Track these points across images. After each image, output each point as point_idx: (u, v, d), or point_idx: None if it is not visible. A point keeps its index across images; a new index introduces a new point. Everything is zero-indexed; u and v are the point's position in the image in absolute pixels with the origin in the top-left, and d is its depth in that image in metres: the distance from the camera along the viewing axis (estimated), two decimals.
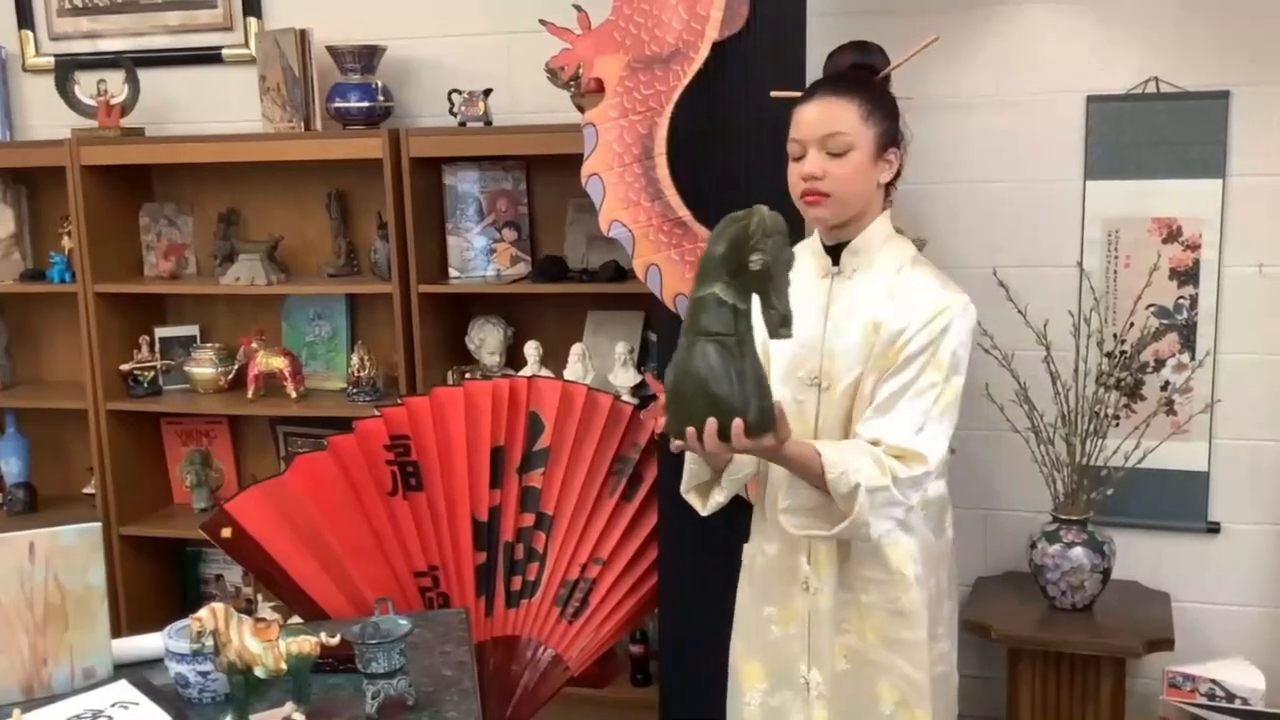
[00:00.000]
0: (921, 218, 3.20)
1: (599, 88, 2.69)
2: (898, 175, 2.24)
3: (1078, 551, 3.00)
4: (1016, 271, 3.16)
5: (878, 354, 2.12)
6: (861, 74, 2.23)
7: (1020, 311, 3.08)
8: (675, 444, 2.01)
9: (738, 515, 2.86)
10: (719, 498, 2.30)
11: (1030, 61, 3.16)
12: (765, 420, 1.93)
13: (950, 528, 2.36)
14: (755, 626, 2.37)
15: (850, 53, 2.23)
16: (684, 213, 2.68)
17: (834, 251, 2.22)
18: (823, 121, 2.10)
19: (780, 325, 1.90)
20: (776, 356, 2.21)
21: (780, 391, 2.15)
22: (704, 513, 2.33)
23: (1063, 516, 3.04)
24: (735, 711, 2.44)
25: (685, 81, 2.64)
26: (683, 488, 2.36)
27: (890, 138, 2.14)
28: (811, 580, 2.25)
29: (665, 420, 2.00)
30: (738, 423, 1.90)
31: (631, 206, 2.68)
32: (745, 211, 1.94)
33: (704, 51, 2.63)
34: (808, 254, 2.25)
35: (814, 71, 2.93)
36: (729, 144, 2.78)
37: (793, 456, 2.05)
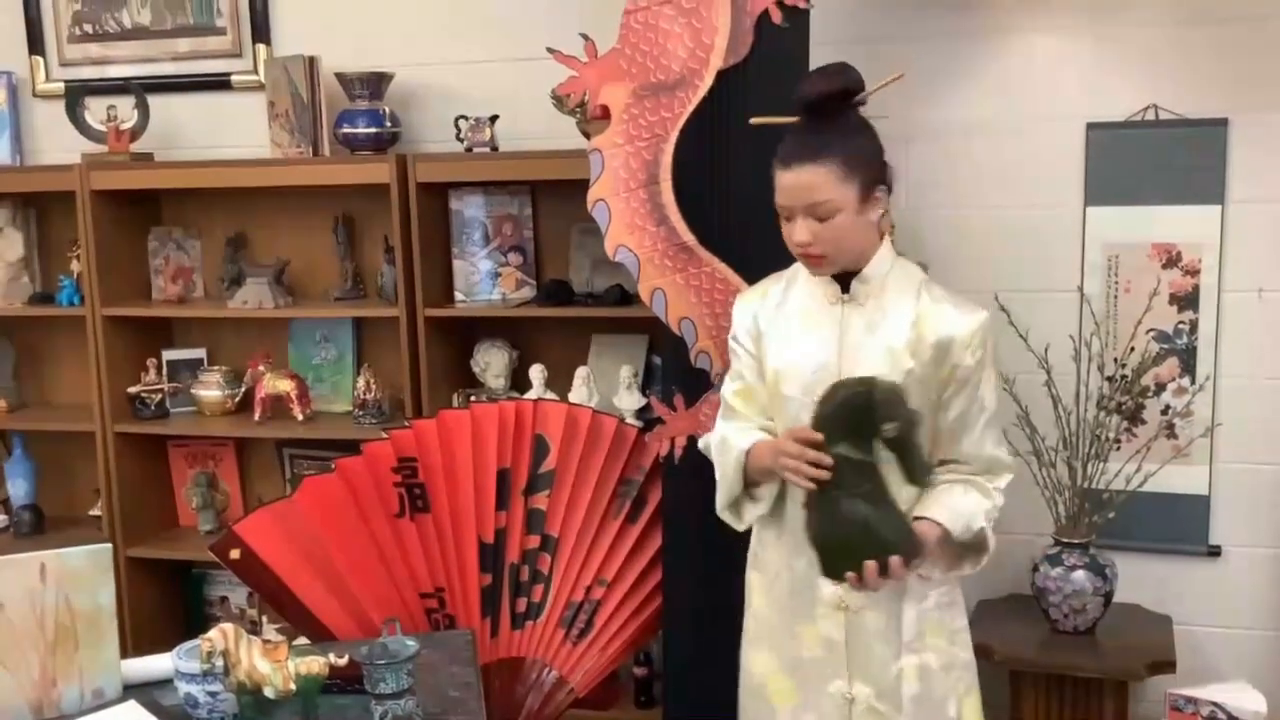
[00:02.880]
0: (923, 242, 3.23)
1: (605, 114, 2.73)
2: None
3: (1080, 575, 3.01)
4: (1018, 296, 3.18)
5: (927, 372, 2.14)
6: (830, 112, 2.17)
7: (1022, 336, 3.10)
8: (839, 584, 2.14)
9: (741, 538, 2.88)
10: (756, 512, 2.33)
11: (1031, 89, 3.19)
12: (916, 550, 2.08)
13: None
14: (787, 644, 2.32)
15: (819, 80, 2.17)
16: (689, 238, 2.71)
17: (842, 279, 2.23)
18: (803, 191, 2.11)
19: (923, 474, 2.09)
20: (792, 378, 2.22)
21: (793, 415, 2.19)
22: (741, 528, 2.37)
23: (1065, 540, 3.05)
24: None
25: (690, 109, 2.68)
26: (718, 507, 2.36)
27: (873, 181, 2.13)
28: (852, 600, 2.22)
29: (823, 565, 2.10)
30: (897, 559, 2.03)
31: (637, 231, 2.71)
32: (858, 380, 2.07)
33: (708, 79, 2.67)
34: (815, 282, 2.26)
35: None
36: (733, 170, 2.81)
37: (935, 546, 2.15)
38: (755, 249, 2.81)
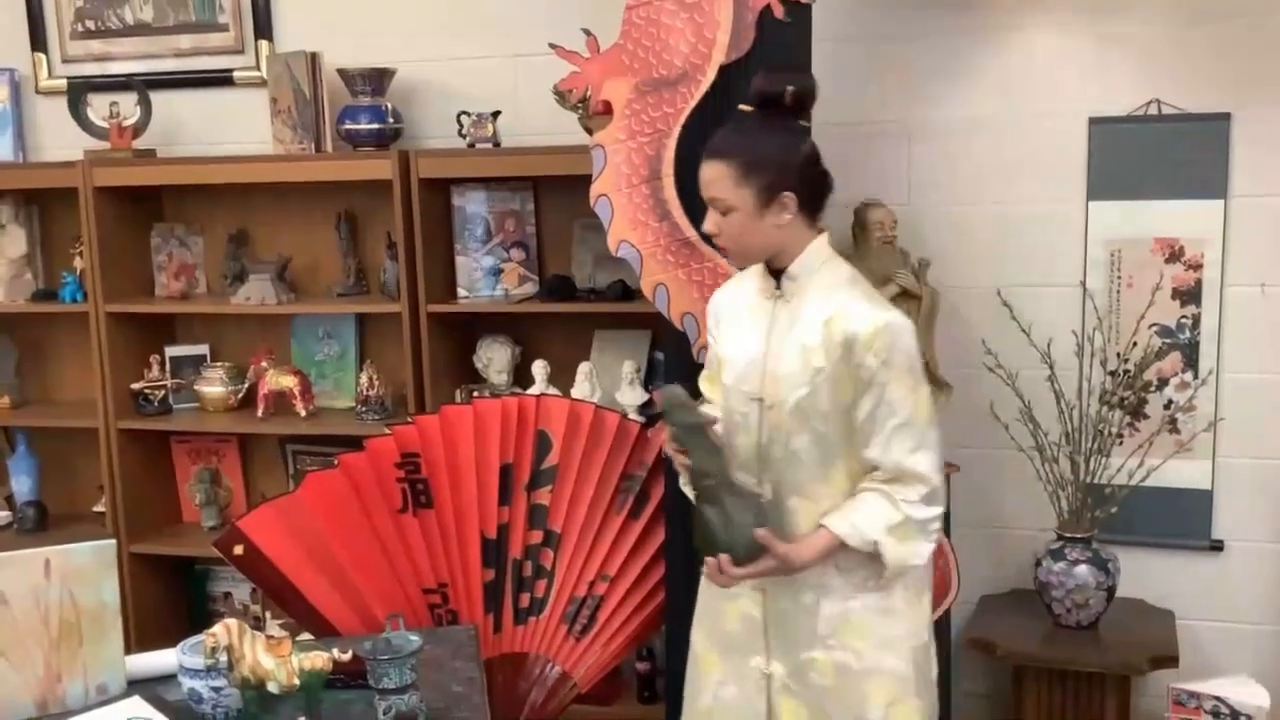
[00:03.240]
0: (925, 238, 3.23)
1: (607, 110, 2.72)
2: (822, 199, 2.25)
3: (1082, 569, 3.01)
4: (1020, 291, 3.18)
5: (838, 370, 2.16)
6: (771, 112, 2.21)
7: (1024, 331, 3.11)
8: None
9: None
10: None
11: (1033, 84, 3.19)
12: (750, 554, 2.20)
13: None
14: (715, 619, 2.40)
15: (762, 80, 2.22)
16: (691, 233, 2.71)
17: (778, 274, 2.28)
18: (706, 185, 2.21)
19: (704, 478, 2.22)
20: (730, 367, 2.30)
21: (730, 404, 2.29)
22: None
23: (1067, 534, 3.05)
24: (692, 700, 2.47)
25: (692, 104, 2.68)
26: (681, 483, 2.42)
27: (777, 187, 2.16)
28: (766, 582, 2.28)
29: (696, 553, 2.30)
30: (721, 560, 2.21)
31: (639, 227, 2.71)
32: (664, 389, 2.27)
33: (711, 74, 2.66)
34: (757, 275, 2.32)
35: (820, 96, 2.97)
36: None
37: (811, 555, 2.19)
38: None
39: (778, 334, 2.24)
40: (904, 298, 3.07)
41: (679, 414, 2.20)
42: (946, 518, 3.02)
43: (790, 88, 2.17)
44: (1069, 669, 2.98)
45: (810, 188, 2.21)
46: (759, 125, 2.20)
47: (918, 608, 2.29)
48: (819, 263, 2.23)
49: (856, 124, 3.27)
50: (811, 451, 2.21)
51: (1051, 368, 3.08)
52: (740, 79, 2.72)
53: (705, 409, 2.33)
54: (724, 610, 2.36)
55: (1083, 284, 3.19)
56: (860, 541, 2.16)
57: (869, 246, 3.12)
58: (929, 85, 3.25)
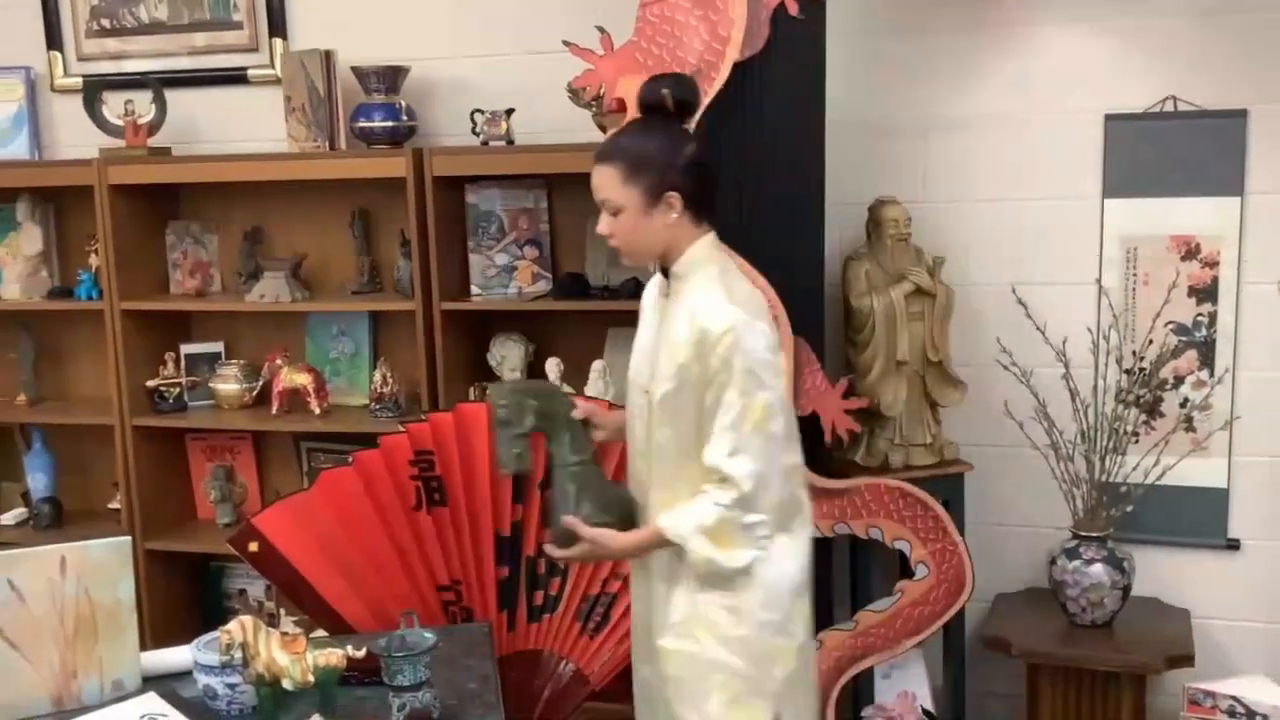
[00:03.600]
0: (940, 235, 3.22)
1: (621, 107, 2.72)
2: (707, 199, 2.30)
3: (1097, 568, 3.00)
4: (1035, 289, 3.17)
5: (696, 368, 2.22)
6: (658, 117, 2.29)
7: (1039, 329, 3.10)
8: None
9: None
10: None
11: (1048, 80, 3.18)
12: (562, 541, 2.35)
13: (802, 527, 2.35)
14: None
15: (646, 88, 2.30)
16: None
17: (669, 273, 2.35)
18: (595, 188, 2.29)
19: (503, 467, 2.43)
20: (631, 363, 2.42)
21: (630, 395, 2.41)
22: None
23: (1082, 533, 3.04)
24: None
25: (706, 101, 2.67)
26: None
27: (661, 187, 2.23)
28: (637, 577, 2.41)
29: None
30: (547, 539, 2.41)
31: None
32: None
33: (725, 71, 2.66)
34: (660, 275, 2.39)
35: (833, 90, 2.98)
36: (749, 162, 2.81)
37: (630, 543, 2.32)
38: (772, 241, 2.82)
39: (664, 330, 2.31)
40: (918, 295, 3.07)
41: (499, 403, 2.39)
42: (961, 515, 3.06)
43: (666, 90, 2.25)
44: (1084, 668, 2.97)
45: (694, 187, 2.27)
46: (642, 129, 2.30)
47: (774, 610, 2.27)
48: (699, 261, 2.30)
49: (870, 121, 3.26)
50: (671, 446, 2.28)
51: (1067, 366, 3.07)
52: (755, 76, 2.73)
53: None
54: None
55: (1098, 281, 3.18)
56: (675, 536, 2.23)
57: (883, 244, 3.11)
58: (943, 81, 3.24)
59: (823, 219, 2.97)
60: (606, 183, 2.26)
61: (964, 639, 3.18)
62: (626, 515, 2.36)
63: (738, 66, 2.67)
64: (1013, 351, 3.11)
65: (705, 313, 2.21)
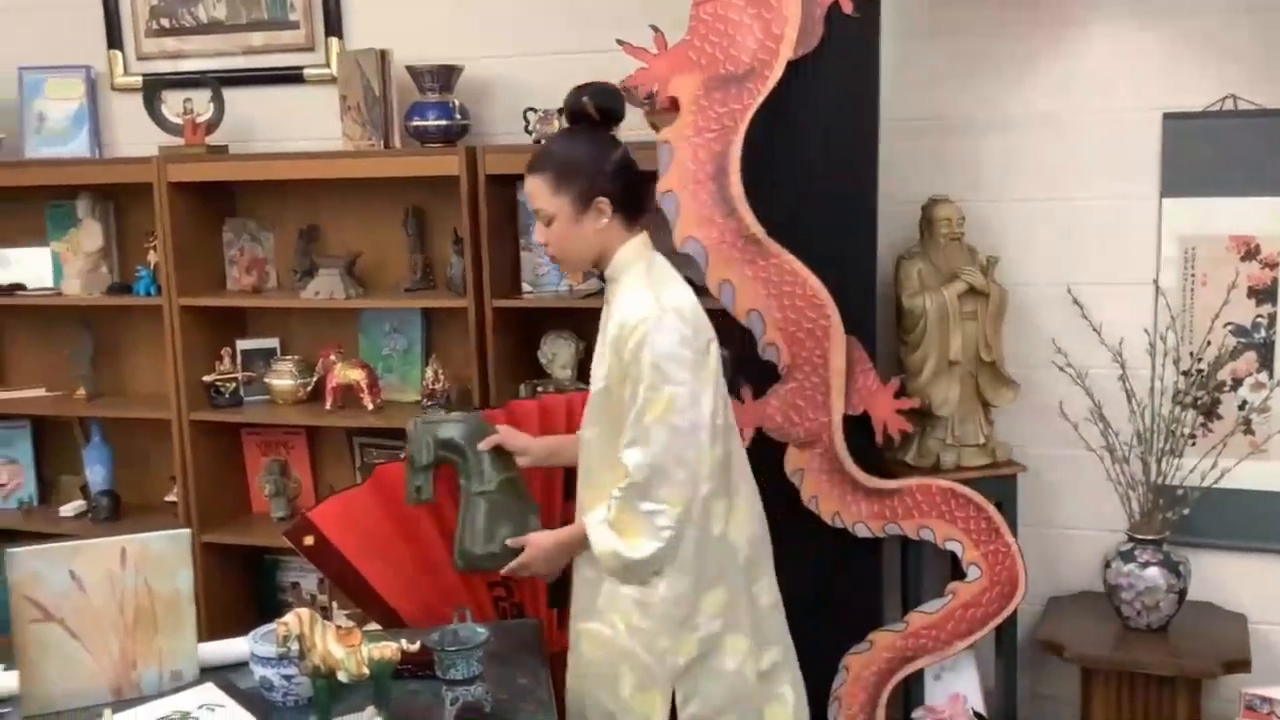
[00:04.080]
0: (993, 234, 3.20)
1: (674, 106, 2.73)
2: (637, 203, 2.37)
3: (1153, 571, 2.97)
4: (1091, 289, 3.14)
5: (619, 368, 2.29)
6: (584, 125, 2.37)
7: (1095, 329, 3.07)
8: None
9: (809, 530, 2.88)
10: None
11: (1105, 79, 3.14)
12: (475, 564, 2.51)
13: (719, 522, 2.35)
14: None
15: (569, 96, 2.37)
16: (757, 229, 2.71)
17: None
18: (529, 199, 2.38)
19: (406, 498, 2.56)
20: None
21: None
22: None
23: (1138, 536, 3.01)
24: None
25: (759, 100, 2.68)
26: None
27: (590, 193, 2.31)
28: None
29: None
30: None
31: (705, 223, 2.71)
32: None
33: (778, 70, 2.66)
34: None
35: (887, 88, 2.96)
36: (802, 161, 2.81)
37: (566, 540, 2.42)
38: (824, 240, 2.81)
39: (600, 334, 2.39)
40: (971, 295, 3.04)
41: (412, 439, 2.52)
42: (1014, 517, 3.03)
43: (586, 99, 2.33)
44: (1138, 672, 2.93)
45: (623, 191, 2.34)
46: (569, 138, 2.38)
47: (681, 605, 2.30)
48: (628, 263, 2.35)
49: (924, 119, 3.24)
50: (595, 444, 2.37)
51: (1123, 367, 3.04)
52: (809, 75, 2.72)
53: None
54: None
55: (1155, 282, 3.14)
56: (587, 528, 2.33)
57: (935, 243, 3.09)
58: (999, 80, 3.21)
59: (875, 218, 2.96)
60: (537, 192, 2.34)
61: (1016, 641, 3.15)
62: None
63: (791, 65, 2.67)
64: (1068, 352, 3.08)
65: (623, 310, 2.28)
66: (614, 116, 2.39)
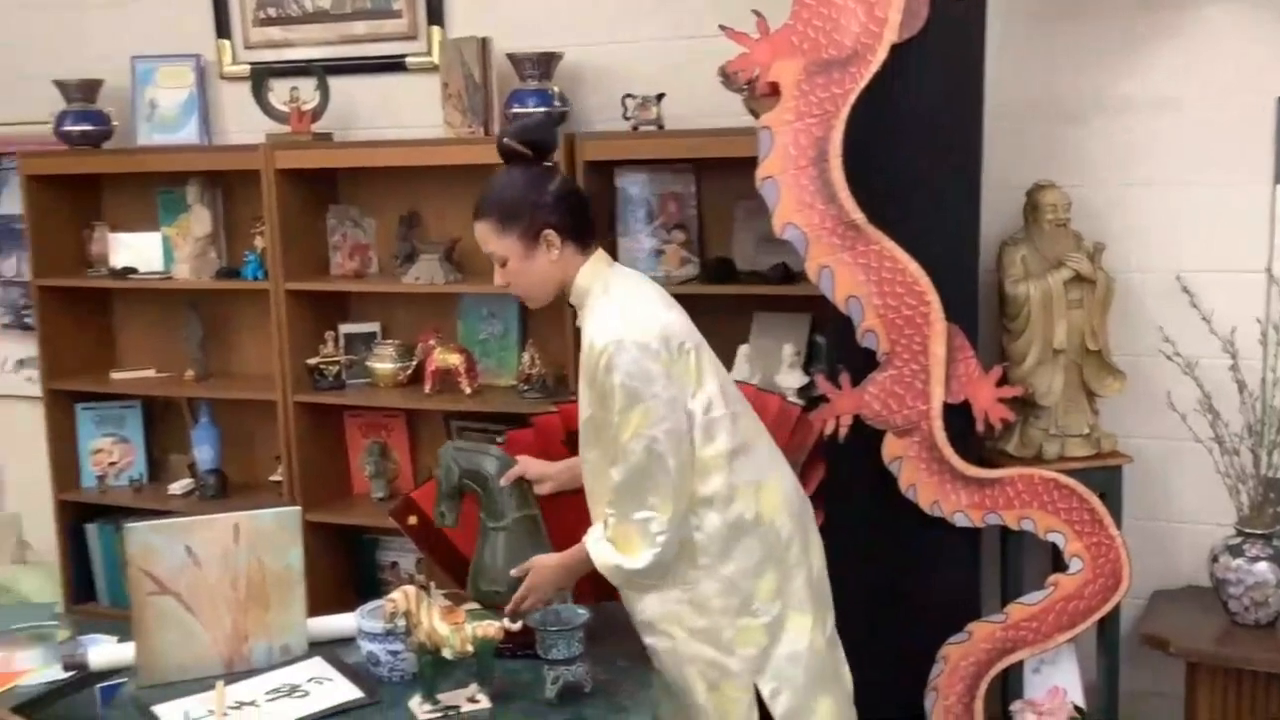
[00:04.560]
0: (1100, 221, 3.14)
1: (774, 91, 2.72)
2: (584, 227, 2.37)
3: (1262, 566, 2.90)
4: (1201, 277, 3.07)
5: (593, 389, 2.31)
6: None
7: (1205, 318, 3.00)
8: None
9: (903, 516, 2.86)
10: None
11: (1217, 63, 3.06)
12: (482, 598, 2.44)
13: (748, 506, 2.35)
14: None
15: (499, 137, 2.38)
16: (858, 216, 2.70)
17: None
18: (480, 244, 2.38)
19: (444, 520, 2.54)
20: None
21: None
22: None
23: (1247, 530, 2.94)
24: None
25: (862, 84, 2.66)
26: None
27: (535, 227, 2.31)
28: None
29: None
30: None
31: (805, 209, 2.70)
32: None
33: (881, 54, 2.64)
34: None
35: (992, 73, 2.92)
36: (905, 147, 2.78)
37: (571, 561, 2.40)
38: (926, 227, 2.79)
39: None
40: (1077, 282, 2.99)
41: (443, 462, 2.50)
42: (1118, 509, 2.98)
43: (505, 140, 2.34)
44: (1245, 668, 2.87)
45: (567, 219, 2.34)
46: (506, 178, 2.37)
47: (732, 595, 2.32)
48: (587, 286, 2.36)
49: (1030, 103, 3.19)
50: (595, 465, 2.37)
51: (1234, 357, 2.96)
52: (912, 59, 2.69)
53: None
54: None
55: (1268, 270, 3.06)
56: (587, 546, 2.35)
57: (1041, 229, 3.04)
58: (1106, 63, 3.15)
59: (978, 204, 2.91)
60: (486, 237, 2.35)
61: (1119, 635, 3.09)
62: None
63: (895, 49, 2.65)
64: (1176, 341, 3.01)
65: (590, 335, 2.30)
66: (543, 149, 2.38)
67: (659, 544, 2.26)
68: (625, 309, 2.31)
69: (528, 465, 2.53)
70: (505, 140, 2.35)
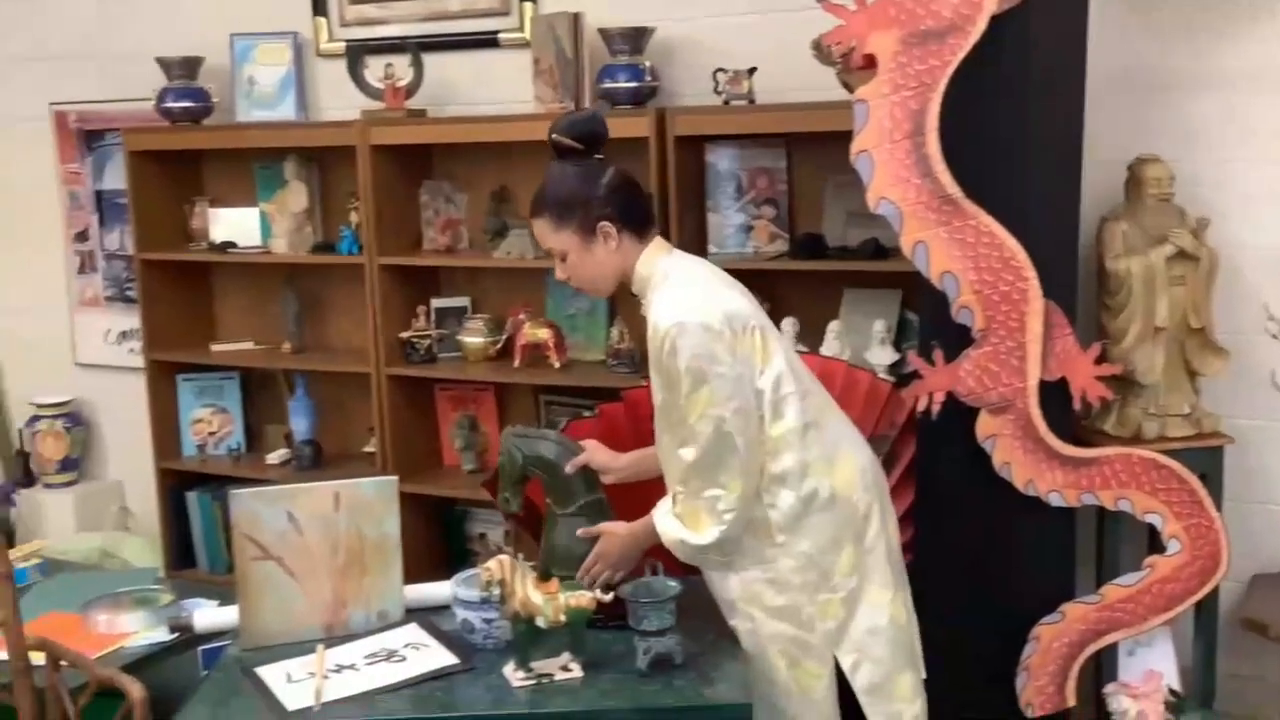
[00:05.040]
0: (1205, 196, 3.06)
1: (870, 64, 2.69)
2: (640, 216, 2.39)
3: None
4: None
5: (660, 373, 2.33)
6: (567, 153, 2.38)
7: None
8: None
9: (997, 495, 2.83)
10: None
11: None
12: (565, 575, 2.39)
13: (821, 482, 2.34)
14: None
15: (550, 132, 2.38)
16: (954, 190, 2.66)
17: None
18: (538, 240, 2.44)
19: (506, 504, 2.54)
20: None
21: None
22: None
23: None
24: None
25: (960, 56, 2.61)
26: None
27: (591, 221, 2.33)
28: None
29: None
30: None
31: (900, 184, 2.67)
32: None
33: (981, 25, 2.59)
34: None
35: (1094, 46, 2.85)
36: (1003, 120, 2.73)
37: (640, 530, 2.41)
38: (1023, 201, 2.74)
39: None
40: (1180, 258, 2.93)
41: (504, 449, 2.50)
42: (1219, 491, 2.92)
43: (555, 135, 2.35)
44: None
45: (623, 209, 2.36)
46: (559, 173, 2.39)
47: (810, 571, 2.32)
48: (647, 274, 2.37)
49: (1133, 74, 3.12)
50: (669, 449, 2.36)
51: None
52: (1013, 29, 2.64)
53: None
54: None
55: None
56: (654, 518, 2.37)
57: (1143, 204, 2.98)
58: (1215, 33, 3.06)
59: (1079, 177, 2.86)
60: (544, 233, 2.39)
61: (1217, 619, 3.03)
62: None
63: (994, 20, 2.60)
64: None
65: (654, 320, 2.30)
66: (594, 141, 2.38)
67: (726, 521, 2.26)
68: (686, 292, 2.33)
69: (594, 454, 2.52)
70: (555, 135, 2.36)
